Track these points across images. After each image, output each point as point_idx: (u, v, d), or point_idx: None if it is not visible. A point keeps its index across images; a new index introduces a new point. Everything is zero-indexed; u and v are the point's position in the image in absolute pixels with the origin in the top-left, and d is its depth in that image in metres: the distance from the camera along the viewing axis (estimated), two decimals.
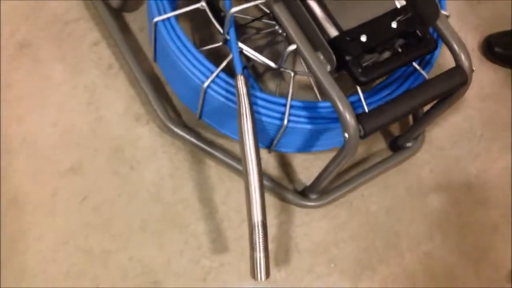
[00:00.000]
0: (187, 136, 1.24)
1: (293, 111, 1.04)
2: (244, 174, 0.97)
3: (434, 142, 1.38)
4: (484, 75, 1.48)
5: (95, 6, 1.35)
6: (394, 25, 0.99)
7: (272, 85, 1.35)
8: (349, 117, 0.93)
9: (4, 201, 1.16)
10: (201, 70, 1.05)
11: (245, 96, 0.98)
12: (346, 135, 0.94)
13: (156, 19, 1.07)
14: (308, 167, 1.30)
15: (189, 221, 1.21)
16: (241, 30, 1.36)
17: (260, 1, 1.00)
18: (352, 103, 1.06)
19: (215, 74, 1.03)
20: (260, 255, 0.94)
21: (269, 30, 1.32)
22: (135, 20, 1.40)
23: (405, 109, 0.97)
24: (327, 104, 1.07)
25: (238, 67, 1.00)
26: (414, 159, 1.34)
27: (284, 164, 1.30)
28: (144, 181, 1.23)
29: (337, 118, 0.96)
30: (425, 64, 1.13)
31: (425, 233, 1.28)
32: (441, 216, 1.30)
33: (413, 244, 1.27)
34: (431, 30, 1.03)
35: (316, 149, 1.19)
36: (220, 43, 1.14)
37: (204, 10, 1.11)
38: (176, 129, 1.24)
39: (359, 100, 1.04)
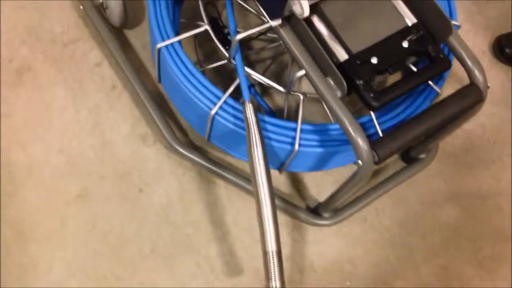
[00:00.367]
0: (195, 158, 1.21)
1: (303, 135, 1.02)
2: (256, 204, 0.95)
3: (446, 150, 1.35)
4: (495, 79, 1.45)
5: (95, 25, 1.31)
6: (405, 44, 0.96)
7: (278, 98, 1.32)
8: (362, 144, 0.90)
9: (12, 232, 1.14)
10: (207, 96, 1.02)
11: (254, 124, 0.95)
12: (360, 162, 0.91)
13: (159, 45, 1.03)
14: (319, 183, 1.28)
15: (201, 244, 1.19)
16: (245, 44, 1.33)
17: (266, 26, 0.96)
18: (363, 124, 1.04)
19: (222, 100, 1.01)
20: (276, 284, 0.93)
21: (274, 44, 1.29)
22: (136, 37, 1.37)
23: (420, 132, 0.94)
24: (338, 126, 1.04)
25: (246, 94, 0.97)
26: (427, 169, 1.32)
27: (295, 180, 1.28)
28: (153, 205, 1.21)
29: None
30: (437, 79, 1.10)
31: (440, 245, 1.26)
32: (456, 227, 1.28)
33: (429, 257, 1.25)
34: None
35: (328, 167, 1.16)
36: (225, 61, 1.11)
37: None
38: (183, 151, 1.21)
39: (371, 120, 1.02)
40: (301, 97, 1.04)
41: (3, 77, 1.27)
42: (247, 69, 1.01)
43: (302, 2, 0.87)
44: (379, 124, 1.01)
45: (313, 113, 1.33)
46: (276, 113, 1.29)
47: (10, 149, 1.21)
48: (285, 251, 1.21)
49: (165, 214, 1.21)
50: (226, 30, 1.23)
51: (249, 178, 1.20)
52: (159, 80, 1.20)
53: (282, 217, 1.23)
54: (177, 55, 1.03)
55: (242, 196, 1.24)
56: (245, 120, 0.96)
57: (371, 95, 0.91)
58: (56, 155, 1.22)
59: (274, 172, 1.25)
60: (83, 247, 1.15)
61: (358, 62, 0.93)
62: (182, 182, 1.24)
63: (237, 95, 1.03)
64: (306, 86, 1.35)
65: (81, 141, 1.24)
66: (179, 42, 1.05)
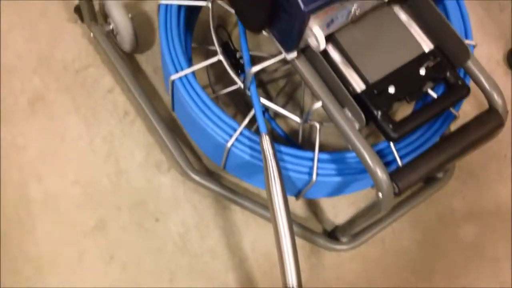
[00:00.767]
0: (210, 185, 1.20)
1: (321, 165, 1.01)
2: (275, 238, 0.93)
3: (463, 167, 1.33)
4: (510, 91, 1.43)
5: (105, 51, 1.31)
6: (422, 72, 0.94)
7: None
8: (381, 175, 0.89)
9: (29, 266, 1.14)
10: (223, 128, 1.01)
11: (271, 157, 0.94)
12: (380, 194, 0.90)
13: (173, 77, 1.02)
14: (335, 205, 1.27)
15: (219, 272, 1.19)
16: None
17: (281, 57, 0.95)
18: (381, 151, 1.03)
19: (238, 132, 0.99)
20: None
21: (287, 66, 1.28)
22: (147, 61, 1.36)
23: (440, 161, 0.93)
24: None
25: (262, 127, 0.96)
26: (445, 187, 1.30)
27: (311, 203, 1.27)
28: (170, 233, 1.20)
29: None
30: None
31: (461, 266, 1.25)
32: (476, 246, 1.27)
33: (450, 278, 1.23)
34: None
35: (346, 193, 1.15)
36: (237, 86, 1.10)
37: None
38: (198, 179, 1.20)
39: (388, 146, 1.01)
40: (318, 126, 1.03)
41: (17, 109, 1.27)
42: (263, 100, 1.00)
43: (317, 35, 0.86)
44: (397, 150, 1.00)
45: (328, 134, 1.31)
46: (290, 135, 1.28)
47: (27, 184, 1.20)
48: (303, 277, 1.19)
49: (182, 243, 1.20)
50: (238, 54, 1.22)
51: (266, 204, 1.18)
52: (173, 109, 1.19)
53: (299, 241, 1.21)
54: (192, 86, 1.02)
55: (259, 221, 1.23)
56: (262, 152, 0.95)
57: (390, 126, 0.90)
58: (72, 186, 1.21)
59: (290, 198, 1.24)
60: (102, 279, 1.15)
61: (375, 92, 0.92)
62: (198, 209, 1.23)
63: (252, 123, 1.02)
64: (321, 109, 1.33)
65: (96, 171, 1.23)
66: (193, 72, 1.04)
